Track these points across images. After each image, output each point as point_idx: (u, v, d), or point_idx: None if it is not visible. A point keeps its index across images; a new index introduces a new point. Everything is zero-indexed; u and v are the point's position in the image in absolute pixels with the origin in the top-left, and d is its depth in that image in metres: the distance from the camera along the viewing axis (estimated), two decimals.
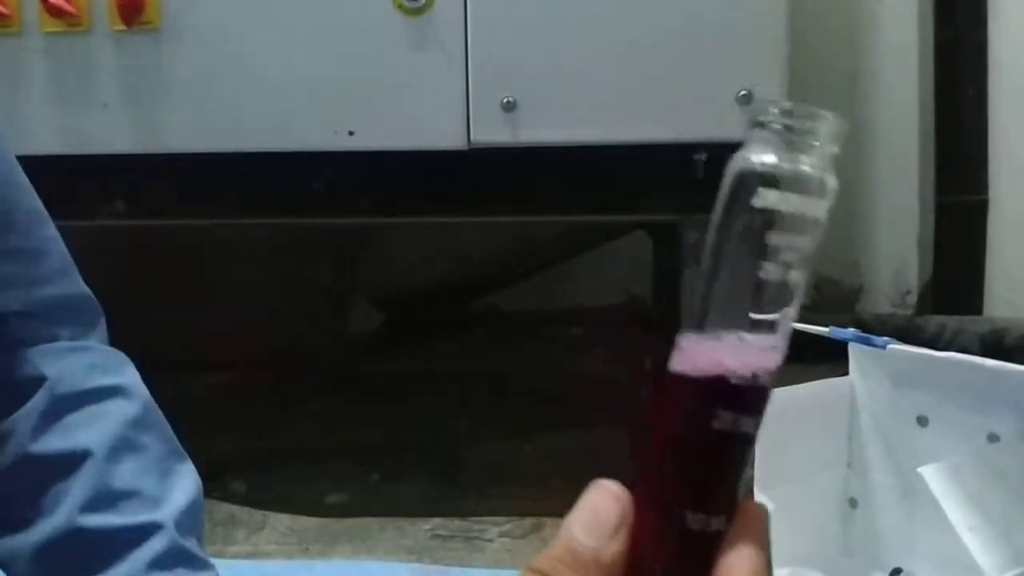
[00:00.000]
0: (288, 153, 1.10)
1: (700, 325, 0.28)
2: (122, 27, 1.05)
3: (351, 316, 1.84)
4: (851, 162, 1.60)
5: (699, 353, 0.28)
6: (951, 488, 0.66)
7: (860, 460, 0.81)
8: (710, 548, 0.29)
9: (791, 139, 0.27)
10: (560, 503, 0.31)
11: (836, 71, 1.56)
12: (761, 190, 0.27)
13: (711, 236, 0.28)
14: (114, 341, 0.62)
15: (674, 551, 0.29)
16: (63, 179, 1.17)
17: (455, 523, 1.14)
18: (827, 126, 0.28)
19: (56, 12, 1.04)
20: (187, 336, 1.60)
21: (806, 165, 0.27)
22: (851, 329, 0.78)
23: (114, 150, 1.10)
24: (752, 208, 0.27)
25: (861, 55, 1.57)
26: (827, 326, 0.78)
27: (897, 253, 1.62)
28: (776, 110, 0.28)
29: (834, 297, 1.70)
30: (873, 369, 0.79)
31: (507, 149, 1.06)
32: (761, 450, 0.73)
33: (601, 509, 0.29)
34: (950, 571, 0.66)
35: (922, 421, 0.76)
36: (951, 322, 1.49)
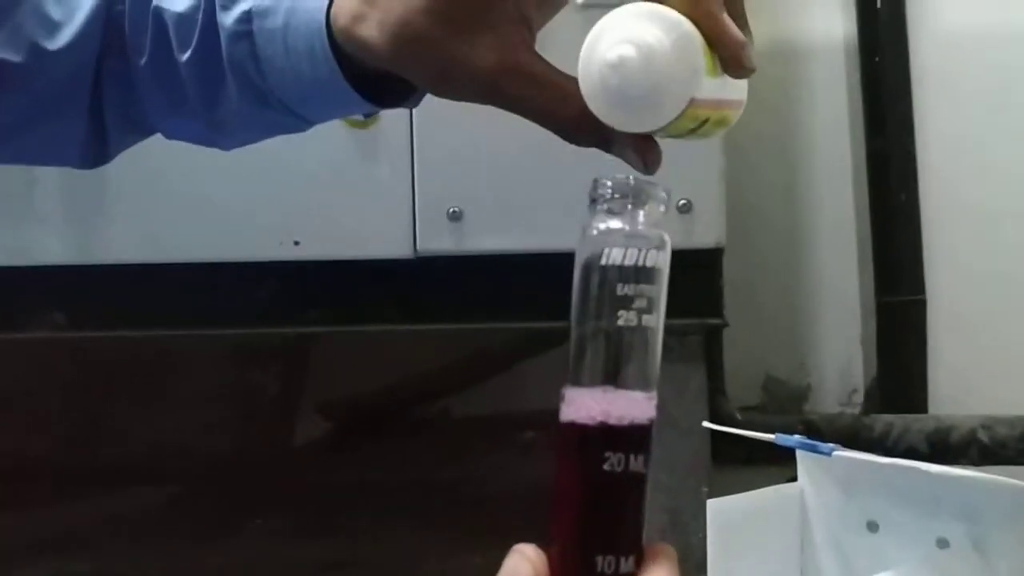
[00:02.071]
0: (233, 263, 1.09)
1: (577, 378, 0.31)
2: None
3: (297, 427, 1.80)
4: (794, 267, 1.64)
5: (579, 403, 0.31)
6: None
7: (813, 567, 0.80)
8: None
9: (624, 206, 0.33)
10: None
11: (773, 183, 1.62)
12: (605, 250, 0.32)
13: (574, 299, 0.32)
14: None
15: None
16: (2, 291, 1.15)
17: None
18: (653, 192, 0.33)
19: None
20: (124, 452, 1.55)
21: (640, 225, 0.32)
22: (796, 436, 0.78)
23: (54, 262, 1.09)
24: (602, 267, 0.32)
25: (797, 168, 1.63)
26: (777, 427, 0.78)
27: (842, 353, 1.65)
28: (609, 184, 0.33)
29: (783, 396, 1.72)
30: (821, 475, 0.79)
31: (453, 257, 1.07)
32: (713, 560, 0.71)
33: (517, 573, 0.30)
34: None
35: (872, 527, 0.76)
36: (898, 421, 1.50)
